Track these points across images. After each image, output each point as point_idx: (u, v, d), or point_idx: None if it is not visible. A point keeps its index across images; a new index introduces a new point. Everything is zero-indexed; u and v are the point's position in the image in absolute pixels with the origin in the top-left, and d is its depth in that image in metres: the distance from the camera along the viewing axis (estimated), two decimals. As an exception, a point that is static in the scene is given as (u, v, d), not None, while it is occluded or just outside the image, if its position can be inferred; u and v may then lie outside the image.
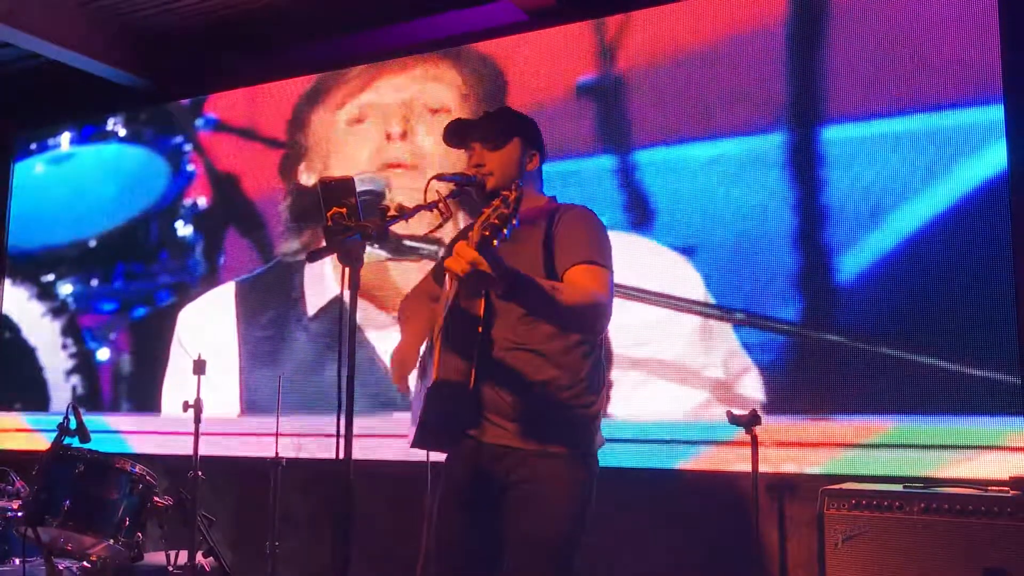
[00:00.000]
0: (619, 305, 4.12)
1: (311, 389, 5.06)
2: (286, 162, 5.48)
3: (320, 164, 5.37)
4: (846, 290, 3.93)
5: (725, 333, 4.12)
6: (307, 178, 5.40)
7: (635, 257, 4.29)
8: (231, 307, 5.52)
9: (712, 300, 4.15)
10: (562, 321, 2.38)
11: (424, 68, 5.10)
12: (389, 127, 5.13)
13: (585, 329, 2.43)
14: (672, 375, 4.20)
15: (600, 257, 2.44)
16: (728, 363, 4.10)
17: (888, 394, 3.78)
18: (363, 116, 5.23)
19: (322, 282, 5.24)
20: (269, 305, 5.39)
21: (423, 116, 5.05)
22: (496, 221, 2.04)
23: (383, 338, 4.92)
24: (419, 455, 2.57)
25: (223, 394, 5.30)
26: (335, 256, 2.14)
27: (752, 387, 4.03)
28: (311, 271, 5.27)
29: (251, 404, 5.31)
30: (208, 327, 5.57)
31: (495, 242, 2.04)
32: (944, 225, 3.76)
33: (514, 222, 2.05)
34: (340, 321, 2.06)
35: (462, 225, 3.91)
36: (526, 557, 2.38)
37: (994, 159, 3.70)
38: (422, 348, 2.62)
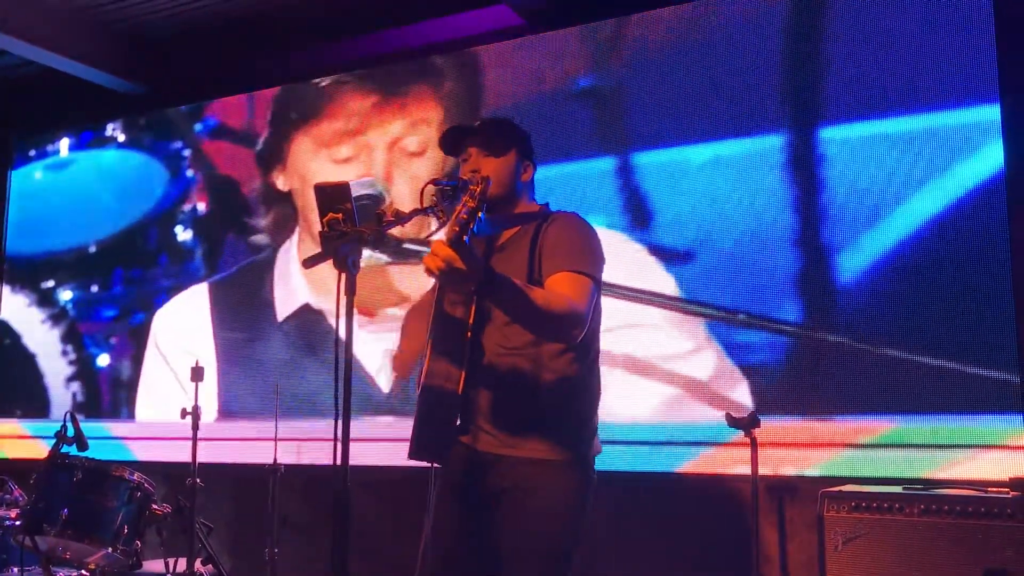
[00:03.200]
0: (614, 306, 4.18)
1: (290, 393, 4.93)
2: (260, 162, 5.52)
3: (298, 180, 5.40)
4: (845, 290, 3.92)
5: (725, 334, 4.11)
6: (282, 183, 5.42)
7: (631, 256, 4.28)
8: (206, 309, 5.52)
9: (712, 301, 4.14)
10: (534, 325, 2.33)
11: (410, 112, 5.05)
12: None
13: (559, 336, 2.37)
14: (670, 377, 4.19)
15: (584, 265, 2.39)
16: (727, 364, 4.09)
17: (887, 394, 3.77)
18: (351, 157, 5.21)
19: (289, 285, 5.23)
20: (242, 307, 5.37)
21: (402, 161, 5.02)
22: (464, 216, 2.07)
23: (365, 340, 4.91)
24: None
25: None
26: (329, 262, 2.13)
27: (752, 388, 4.02)
28: (279, 272, 5.28)
29: (227, 409, 5.29)
30: (184, 330, 5.58)
31: (465, 237, 2.06)
32: (943, 224, 3.76)
33: (480, 215, 2.09)
34: (336, 327, 2.04)
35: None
36: (517, 569, 2.35)
37: (991, 158, 3.70)
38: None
